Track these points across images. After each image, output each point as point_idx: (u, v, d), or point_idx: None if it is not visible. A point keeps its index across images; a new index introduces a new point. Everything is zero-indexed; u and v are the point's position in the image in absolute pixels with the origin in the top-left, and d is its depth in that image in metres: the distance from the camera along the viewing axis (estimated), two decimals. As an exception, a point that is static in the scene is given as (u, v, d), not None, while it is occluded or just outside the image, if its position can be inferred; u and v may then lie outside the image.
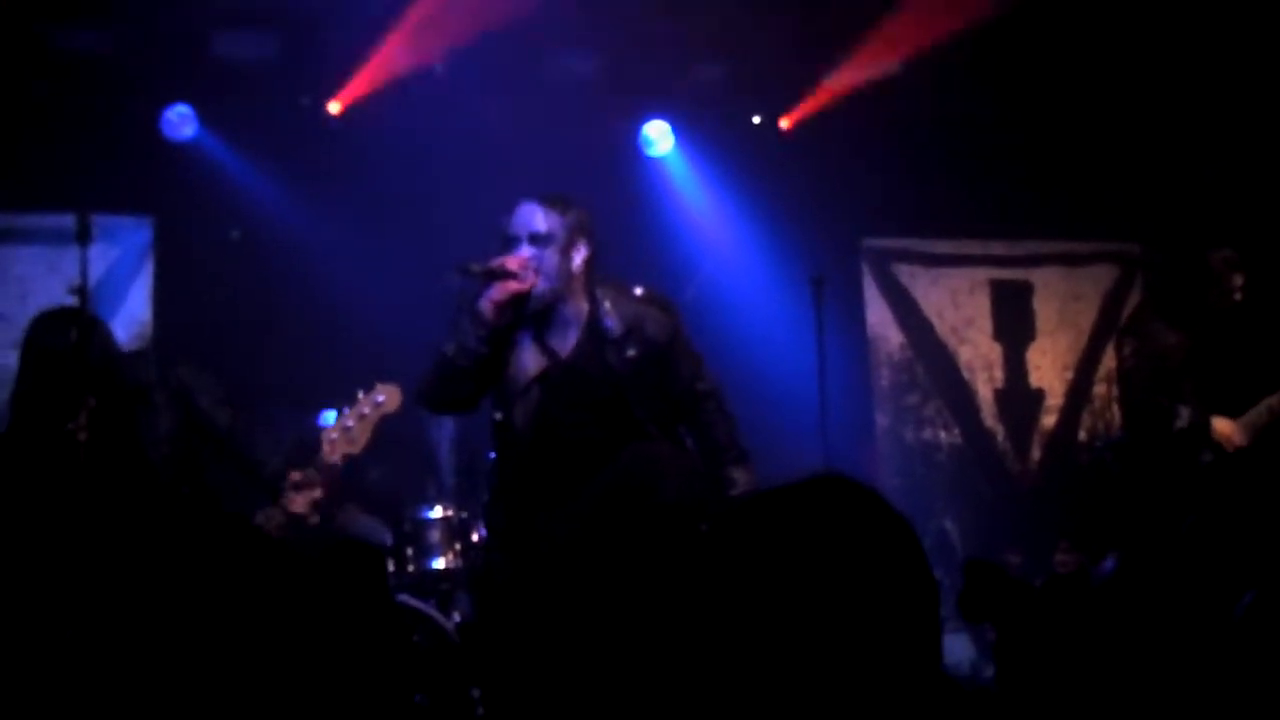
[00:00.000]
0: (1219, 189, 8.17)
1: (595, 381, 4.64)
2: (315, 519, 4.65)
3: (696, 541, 4.50)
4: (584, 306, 4.68)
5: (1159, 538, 6.10)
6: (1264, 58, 7.88)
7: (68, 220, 6.47)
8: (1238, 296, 6.25)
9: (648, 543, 4.36)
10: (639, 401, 4.67)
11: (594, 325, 4.66)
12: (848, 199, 8.50)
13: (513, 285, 4.49)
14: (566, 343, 4.66)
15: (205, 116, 7.74)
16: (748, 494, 1.81)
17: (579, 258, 4.64)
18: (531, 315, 4.59)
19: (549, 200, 4.64)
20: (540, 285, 4.54)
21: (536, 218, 4.59)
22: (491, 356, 4.55)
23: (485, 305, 4.47)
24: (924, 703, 1.77)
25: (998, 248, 9.10)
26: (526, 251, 4.54)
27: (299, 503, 4.58)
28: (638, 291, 4.78)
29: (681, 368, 4.80)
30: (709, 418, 4.84)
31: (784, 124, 8.45)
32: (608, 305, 4.67)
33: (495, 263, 4.51)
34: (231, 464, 4.83)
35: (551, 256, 4.58)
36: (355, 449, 4.65)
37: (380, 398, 4.67)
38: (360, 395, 4.69)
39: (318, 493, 4.60)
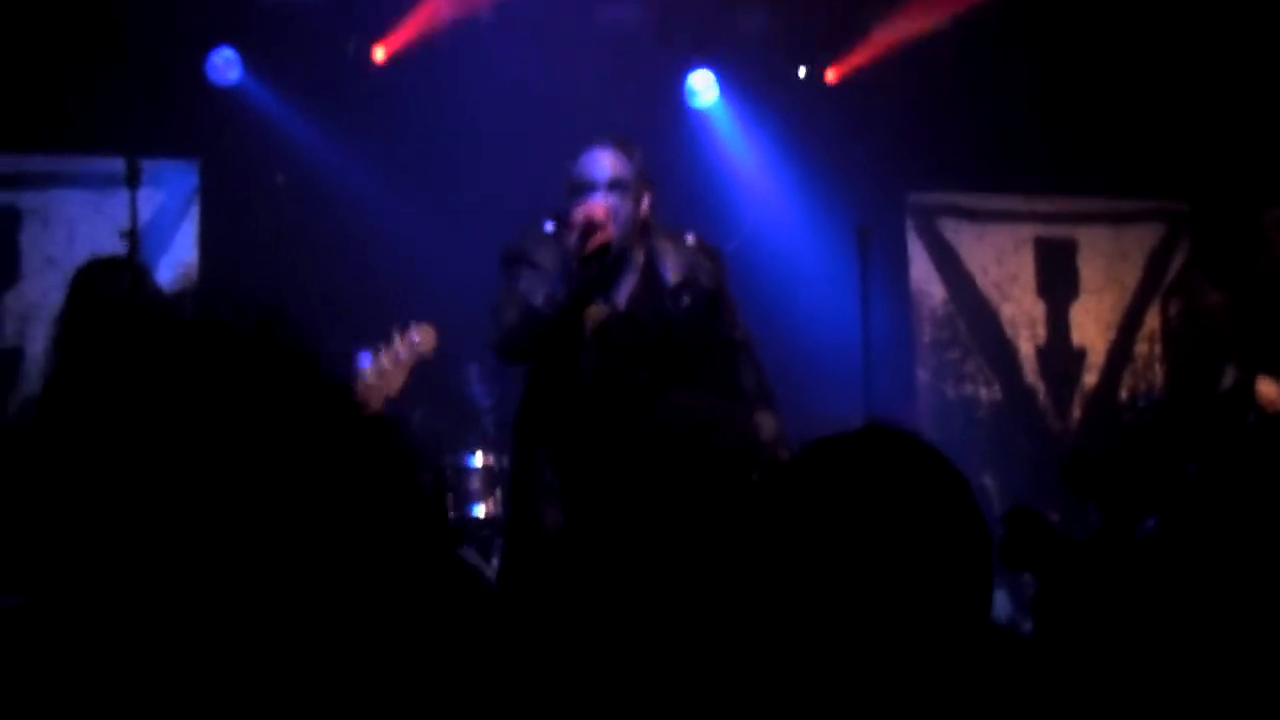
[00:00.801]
0: (1271, 147, 8.08)
1: (652, 330, 4.64)
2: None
3: (748, 490, 4.51)
4: (641, 254, 4.67)
5: (1200, 498, 6.07)
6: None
7: (114, 164, 6.55)
8: None
9: (699, 491, 4.37)
10: (693, 350, 4.67)
11: (650, 273, 4.65)
12: (893, 153, 8.44)
13: (600, 237, 4.46)
14: (623, 290, 4.65)
15: (250, 61, 7.73)
16: (801, 444, 1.80)
17: (645, 204, 4.63)
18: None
19: (620, 144, 4.61)
20: (618, 233, 4.54)
21: (610, 163, 4.56)
22: (573, 306, 4.53)
23: (576, 256, 4.45)
24: (975, 653, 1.77)
25: (1043, 204, 9.04)
26: (604, 199, 4.52)
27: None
28: (689, 239, 4.77)
29: (724, 316, 4.81)
30: (739, 365, 4.83)
31: (830, 77, 8.38)
32: (663, 254, 4.66)
33: (584, 212, 4.46)
34: None
35: (625, 204, 4.55)
36: (392, 392, 4.61)
37: (416, 338, 4.62)
38: (396, 336, 4.66)
39: (375, 404, 4.56)
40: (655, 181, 4.76)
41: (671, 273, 4.68)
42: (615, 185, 4.54)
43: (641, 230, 4.66)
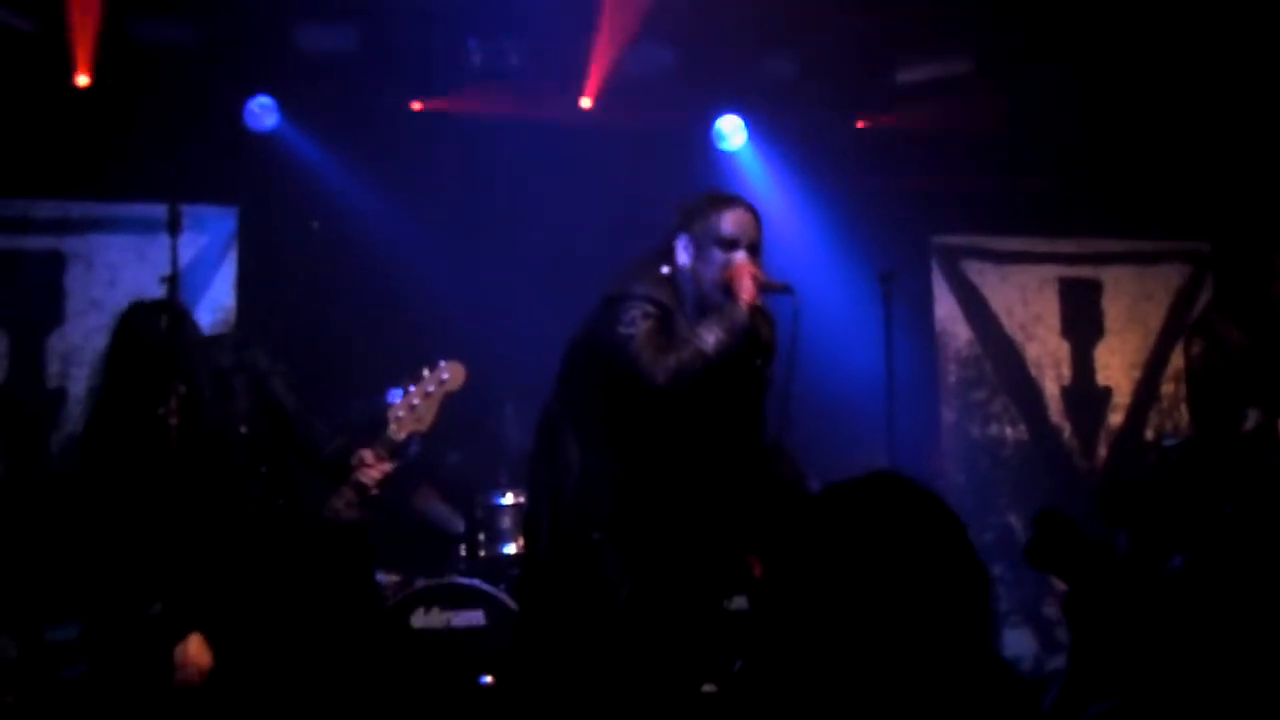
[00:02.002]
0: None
1: (736, 386, 4.76)
2: (379, 494, 4.72)
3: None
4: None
5: (1225, 537, 6.10)
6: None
7: (156, 209, 6.72)
8: None
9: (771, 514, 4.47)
10: (762, 406, 4.81)
11: None
12: (918, 195, 8.53)
13: (760, 298, 4.62)
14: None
15: (287, 107, 7.86)
16: (815, 490, 1.91)
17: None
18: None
19: (756, 211, 4.79)
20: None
21: (753, 226, 4.73)
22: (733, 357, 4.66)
23: (747, 311, 4.58)
24: (977, 691, 1.85)
25: (1067, 246, 9.10)
26: (751, 259, 4.66)
27: (369, 476, 4.67)
28: (756, 303, 4.90)
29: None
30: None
31: (859, 123, 8.48)
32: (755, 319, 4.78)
33: (749, 270, 4.59)
34: (291, 447, 4.92)
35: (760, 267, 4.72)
36: (422, 426, 4.73)
37: (445, 375, 4.73)
38: (425, 372, 4.76)
39: (387, 467, 4.67)
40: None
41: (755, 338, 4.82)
42: (754, 248, 4.70)
43: None
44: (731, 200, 4.79)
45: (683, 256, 4.73)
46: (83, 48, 7.33)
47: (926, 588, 1.84)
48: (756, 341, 4.76)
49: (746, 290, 4.57)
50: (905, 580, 1.84)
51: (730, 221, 4.69)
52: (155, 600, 4.55)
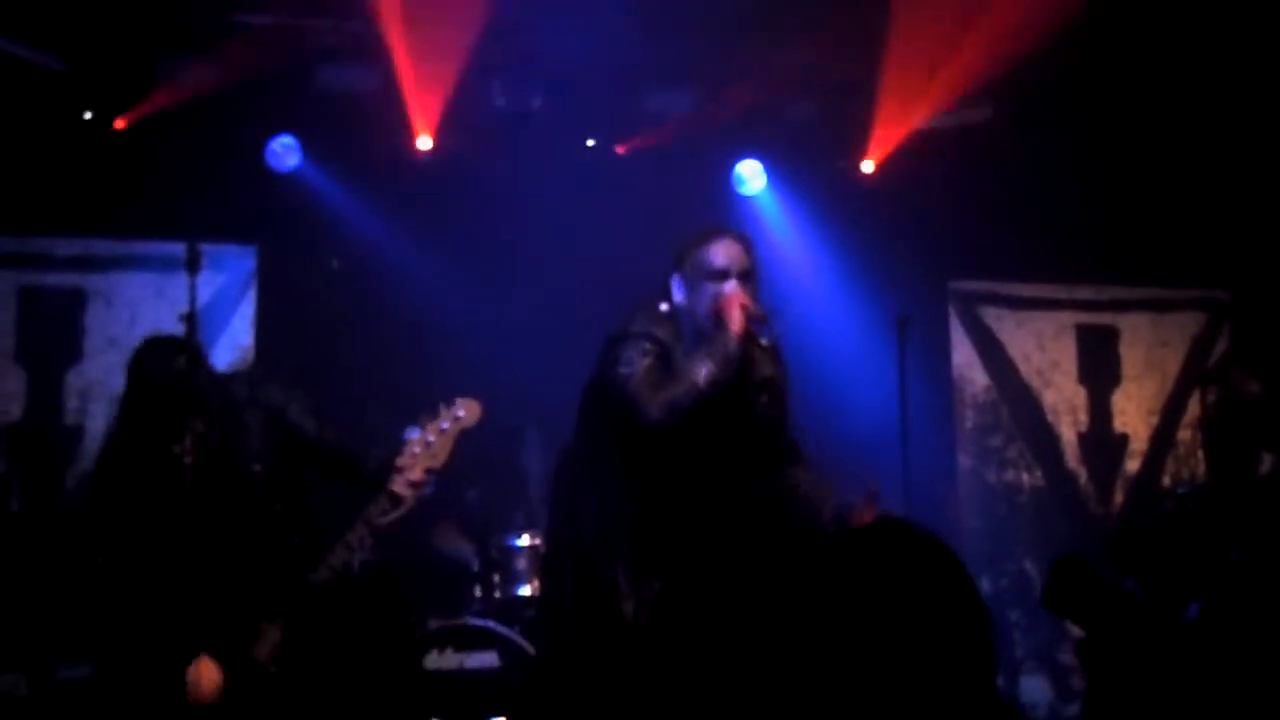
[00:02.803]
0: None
1: (745, 420, 4.75)
2: (415, 498, 4.68)
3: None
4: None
5: (1241, 584, 6.10)
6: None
7: (176, 248, 6.73)
8: None
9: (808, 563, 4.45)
10: (767, 447, 4.79)
11: (741, 369, 4.76)
12: (935, 241, 8.55)
13: (751, 322, 4.61)
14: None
15: (308, 147, 7.92)
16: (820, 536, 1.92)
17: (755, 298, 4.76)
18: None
19: (744, 238, 4.75)
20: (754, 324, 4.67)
21: (740, 255, 4.68)
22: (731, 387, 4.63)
23: (737, 341, 4.55)
24: None
25: (1084, 292, 9.11)
26: (741, 288, 4.63)
27: (400, 484, 4.65)
28: (764, 342, 4.88)
29: (787, 420, 4.92)
30: (794, 468, 4.93)
31: (867, 168, 8.49)
32: (750, 351, 4.76)
33: (738, 299, 4.57)
34: (328, 467, 4.90)
35: (753, 298, 4.71)
36: (436, 463, 4.71)
37: (461, 412, 4.72)
38: (441, 409, 4.76)
39: (417, 473, 4.66)
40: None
41: (755, 372, 4.78)
42: (744, 276, 4.67)
43: None
44: (717, 232, 4.76)
45: (678, 294, 4.73)
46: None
47: (929, 636, 1.84)
48: (751, 371, 4.73)
49: (735, 320, 4.55)
50: (907, 629, 1.84)
51: (716, 253, 4.68)
52: (167, 637, 4.55)
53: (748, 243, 4.77)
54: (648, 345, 4.64)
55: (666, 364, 4.61)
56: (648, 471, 4.71)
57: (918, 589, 1.86)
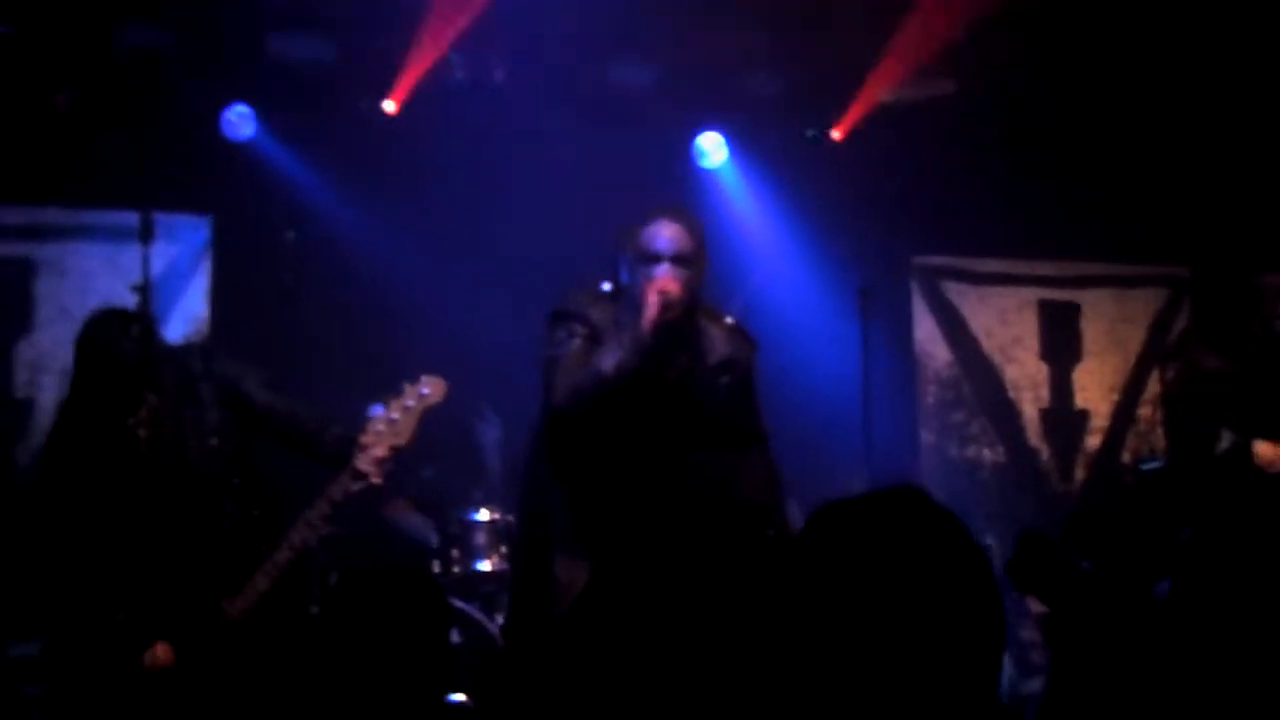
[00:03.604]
0: (1269, 215, 8.16)
1: (693, 403, 4.67)
2: (380, 475, 4.61)
3: (764, 545, 4.55)
4: (689, 329, 4.70)
5: (1197, 561, 6.10)
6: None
7: (128, 217, 6.60)
8: None
9: (719, 541, 4.40)
10: (728, 429, 4.72)
11: (695, 348, 4.68)
12: (898, 216, 8.52)
13: (672, 313, 4.49)
14: (674, 362, 4.67)
15: (264, 117, 7.82)
16: (829, 501, 1.84)
17: (700, 278, 4.68)
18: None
19: (685, 218, 4.64)
20: (684, 309, 4.56)
21: (680, 238, 4.58)
22: (642, 373, 4.55)
23: (649, 329, 4.48)
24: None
25: (1046, 268, 9.11)
26: (673, 272, 4.54)
27: (365, 461, 4.57)
28: (729, 321, 4.80)
29: (750, 404, 4.84)
30: (754, 457, 4.86)
31: (836, 135, 8.44)
32: (707, 331, 4.69)
33: (659, 287, 4.47)
34: (286, 443, 4.83)
35: (692, 279, 4.59)
36: (401, 441, 4.64)
37: (425, 389, 4.66)
38: (405, 387, 4.69)
39: (381, 450, 4.58)
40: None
41: (714, 352, 4.70)
42: (680, 259, 4.56)
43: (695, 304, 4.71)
44: (658, 213, 4.66)
45: (624, 274, 4.66)
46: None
47: (941, 614, 1.77)
48: (706, 352, 4.66)
49: (650, 307, 4.47)
50: (918, 606, 1.77)
51: (651, 235, 4.59)
52: (118, 610, 4.48)
53: (692, 223, 4.67)
54: (577, 326, 4.58)
55: (595, 346, 4.54)
56: (578, 451, 4.66)
57: (932, 569, 1.80)
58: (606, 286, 4.70)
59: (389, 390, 4.74)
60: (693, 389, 4.66)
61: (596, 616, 4.58)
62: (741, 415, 4.81)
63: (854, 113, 8.28)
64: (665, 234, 4.59)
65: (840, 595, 1.79)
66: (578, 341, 4.57)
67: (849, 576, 1.80)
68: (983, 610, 1.80)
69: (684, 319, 4.58)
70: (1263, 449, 6.22)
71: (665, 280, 4.49)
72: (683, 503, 4.60)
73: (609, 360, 4.47)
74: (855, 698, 1.76)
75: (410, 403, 4.64)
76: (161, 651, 4.42)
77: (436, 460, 7.19)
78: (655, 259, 4.55)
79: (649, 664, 4.30)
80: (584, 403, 4.53)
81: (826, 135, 8.33)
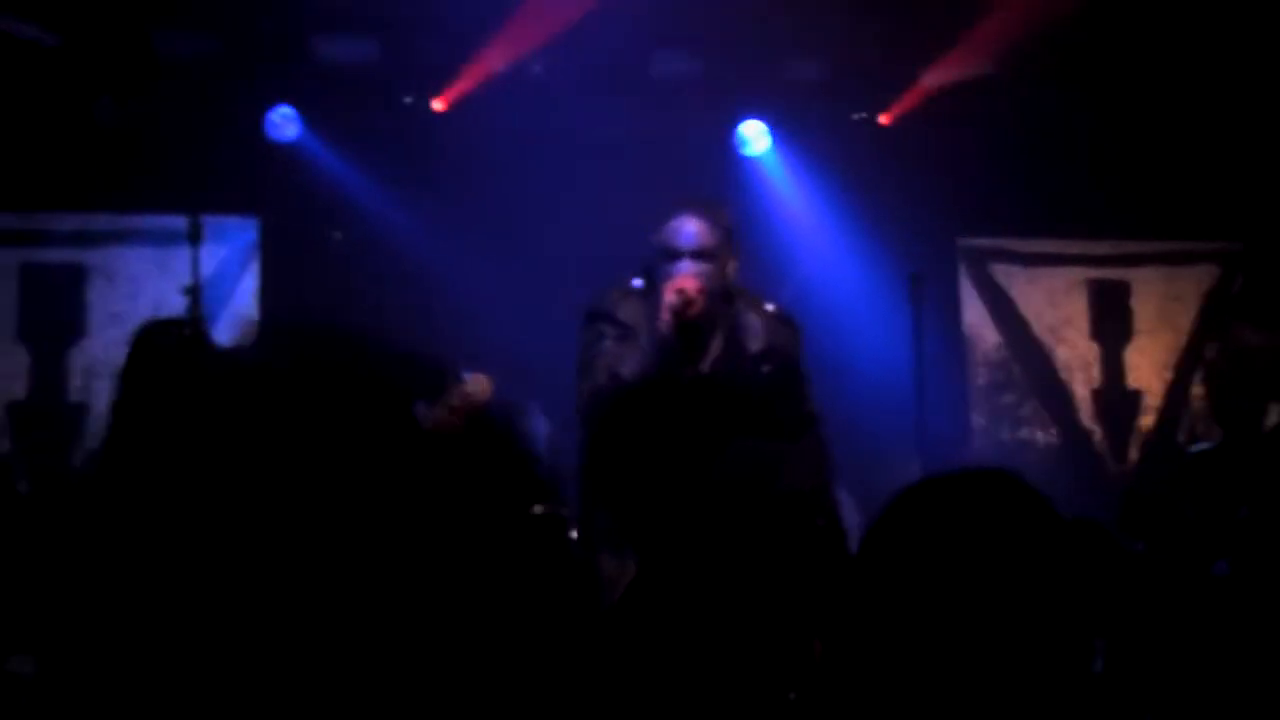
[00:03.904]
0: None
1: (733, 394, 4.64)
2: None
3: (814, 534, 4.53)
4: (726, 318, 4.66)
5: (1263, 537, 6.05)
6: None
7: (176, 221, 6.68)
8: None
9: (764, 531, 4.37)
10: (771, 417, 4.69)
11: (733, 337, 4.64)
12: (944, 198, 8.45)
13: (692, 311, 4.46)
14: (709, 355, 4.64)
15: (308, 118, 7.86)
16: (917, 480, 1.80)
17: (731, 271, 4.63)
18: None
19: (708, 211, 4.59)
20: (708, 305, 4.54)
21: (700, 232, 4.55)
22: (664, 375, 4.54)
23: (667, 329, 4.45)
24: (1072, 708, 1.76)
25: (1095, 247, 9.01)
26: (693, 268, 4.51)
27: (464, 395, 4.56)
28: (769, 308, 4.76)
29: (799, 388, 4.80)
30: (809, 443, 4.80)
31: (883, 120, 8.40)
32: (746, 320, 4.65)
33: (676, 288, 4.44)
34: None
35: (716, 274, 4.54)
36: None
37: (470, 387, 4.66)
38: (451, 386, 4.68)
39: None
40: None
41: (754, 340, 4.66)
42: (702, 254, 4.54)
43: (725, 295, 4.67)
44: (678, 207, 4.64)
45: (657, 271, 4.63)
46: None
47: (1035, 597, 1.74)
48: (742, 343, 4.62)
49: (667, 307, 4.44)
50: (1013, 589, 1.74)
51: (672, 232, 4.57)
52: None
53: (716, 215, 4.62)
54: (606, 327, 4.56)
55: (625, 345, 4.51)
56: (617, 451, 4.63)
57: (1028, 553, 1.76)
58: (638, 283, 4.67)
59: (436, 385, 4.74)
60: (731, 380, 4.63)
61: (640, 610, 4.59)
62: (789, 402, 4.77)
63: (906, 101, 8.25)
64: (685, 230, 4.55)
65: (931, 576, 1.75)
66: (607, 343, 4.55)
67: (941, 556, 1.76)
68: (1074, 593, 1.76)
69: (708, 314, 4.54)
70: (1309, 426, 6.16)
71: (683, 279, 4.46)
72: (727, 493, 4.57)
73: (629, 364, 4.46)
74: (948, 682, 1.73)
75: (456, 402, 4.63)
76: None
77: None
78: (676, 255, 4.53)
79: (694, 657, 4.29)
80: (606, 407, 4.53)
81: (873, 120, 8.31)
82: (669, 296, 4.43)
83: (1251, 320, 6.30)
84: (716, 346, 4.64)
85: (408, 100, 7.90)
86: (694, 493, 4.54)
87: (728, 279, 4.62)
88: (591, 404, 4.53)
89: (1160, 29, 7.90)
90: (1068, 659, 1.75)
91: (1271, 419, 6.15)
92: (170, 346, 4.64)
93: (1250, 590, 5.40)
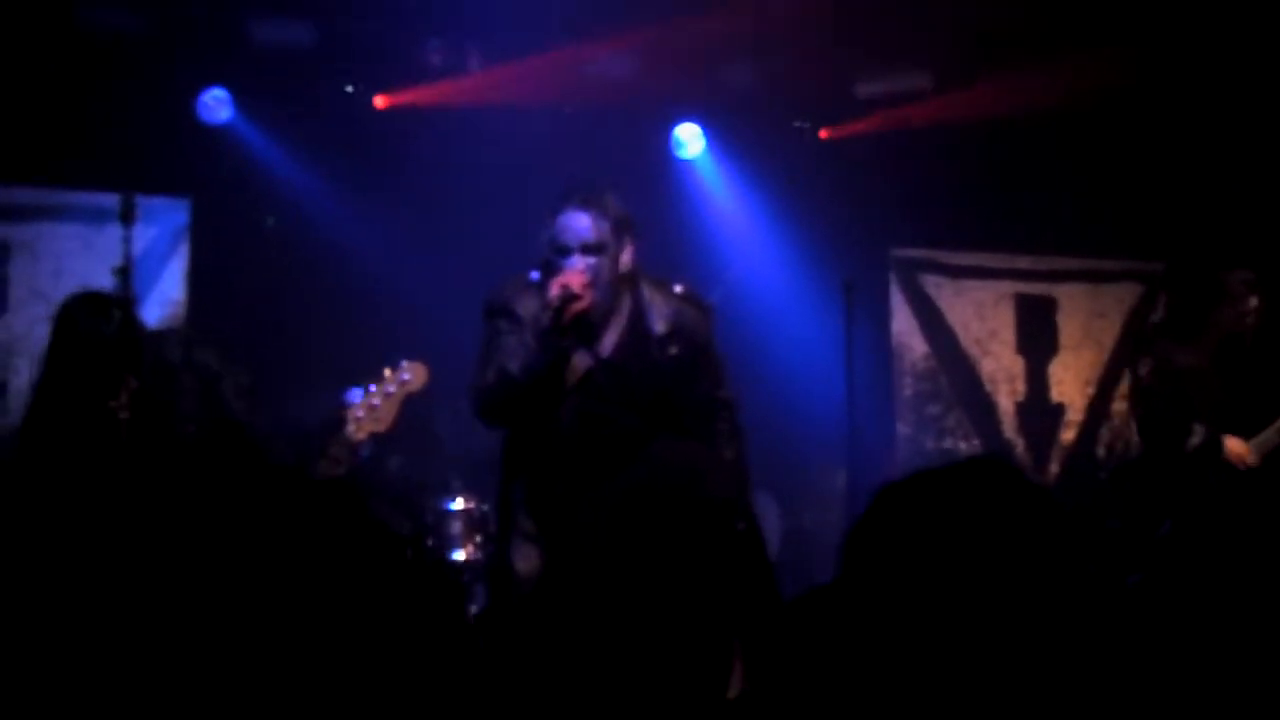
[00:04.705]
0: (1239, 209, 8.20)
1: (637, 379, 4.61)
2: (350, 463, 4.57)
3: (735, 539, 4.52)
4: (626, 303, 4.65)
5: (1176, 555, 6.15)
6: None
7: (106, 199, 6.57)
8: (1252, 319, 6.32)
9: (688, 538, 4.36)
10: (680, 400, 4.66)
11: (637, 322, 4.61)
12: (877, 208, 8.52)
13: (578, 306, 4.42)
14: (609, 340, 4.63)
15: (241, 101, 7.77)
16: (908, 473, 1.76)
17: (626, 258, 4.59)
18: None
19: (595, 204, 4.52)
20: (597, 297, 4.51)
21: (587, 227, 4.50)
22: (553, 370, 4.55)
23: (554, 329, 4.44)
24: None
25: (1023, 262, 9.12)
26: (580, 263, 4.49)
27: (338, 447, 4.51)
28: (677, 289, 4.73)
29: (710, 371, 4.78)
30: (723, 428, 4.77)
31: (823, 135, 8.47)
32: (651, 303, 4.63)
33: (559, 283, 4.42)
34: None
35: (605, 265, 4.49)
36: (381, 427, 4.58)
37: (406, 375, 4.61)
38: (386, 372, 4.63)
39: (340, 470, 4.53)
40: (640, 230, 4.73)
41: (659, 322, 4.63)
42: (590, 248, 4.50)
43: (627, 280, 4.65)
44: (566, 201, 4.57)
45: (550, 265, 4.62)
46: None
47: (1035, 589, 1.72)
48: (646, 325, 4.61)
49: (551, 301, 4.44)
50: (1013, 579, 1.71)
51: (560, 227, 4.54)
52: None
53: (605, 207, 4.56)
54: (501, 322, 4.54)
55: (522, 339, 4.50)
56: (527, 441, 4.63)
57: (1026, 542, 1.73)
58: (535, 276, 4.64)
59: (367, 373, 4.70)
60: (634, 365, 4.61)
61: (548, 614, 4.58)
62: (700, 384, 4.75)
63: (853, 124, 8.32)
64: (573, 225, 4.52)
65: (925, 570, 1.72)
66: (505, 338, 4.53)
67: (933, 550, 1.73)
68: (1075, 586, 1.75)
69: (600, 304, 4.52)
70: (1233, 445, 6.26)
71: (567, 274, 4.43)
72: (646, 497, 4.55)
73: (515, 361, 4.44)
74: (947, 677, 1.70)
75: (392, 388, 4.59)
76: None
77: (403, 449, 7.16)
78: (565, 250, 4.50)
79: (603, 656, 4.30)
80: (494, 404, 4.52)
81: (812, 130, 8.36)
82: (552, 291, 4.41)
83: (1179, 340, 6.40)
84: (618, 330, 4.62)
85: (349, 90, 7.83)
86: (610, 494, 4.55)
87: (623, 267, 4.59)
88: (478, 400, 4.52)
89: (1087, 47, 7.99)
90: (1058, 646, 1.74)
91: (1196, 439, 6.25)
92: (98, 329, 4.56)
93: (1159, 602, 5.48)
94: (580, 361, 4.57)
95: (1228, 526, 6.14)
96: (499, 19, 7.63)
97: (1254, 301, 6.31)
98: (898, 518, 1.79)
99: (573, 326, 4.43)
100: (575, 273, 4.43)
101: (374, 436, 4.59)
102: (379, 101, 7.96)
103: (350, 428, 4.55)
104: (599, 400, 4.58)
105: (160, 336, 5.00)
